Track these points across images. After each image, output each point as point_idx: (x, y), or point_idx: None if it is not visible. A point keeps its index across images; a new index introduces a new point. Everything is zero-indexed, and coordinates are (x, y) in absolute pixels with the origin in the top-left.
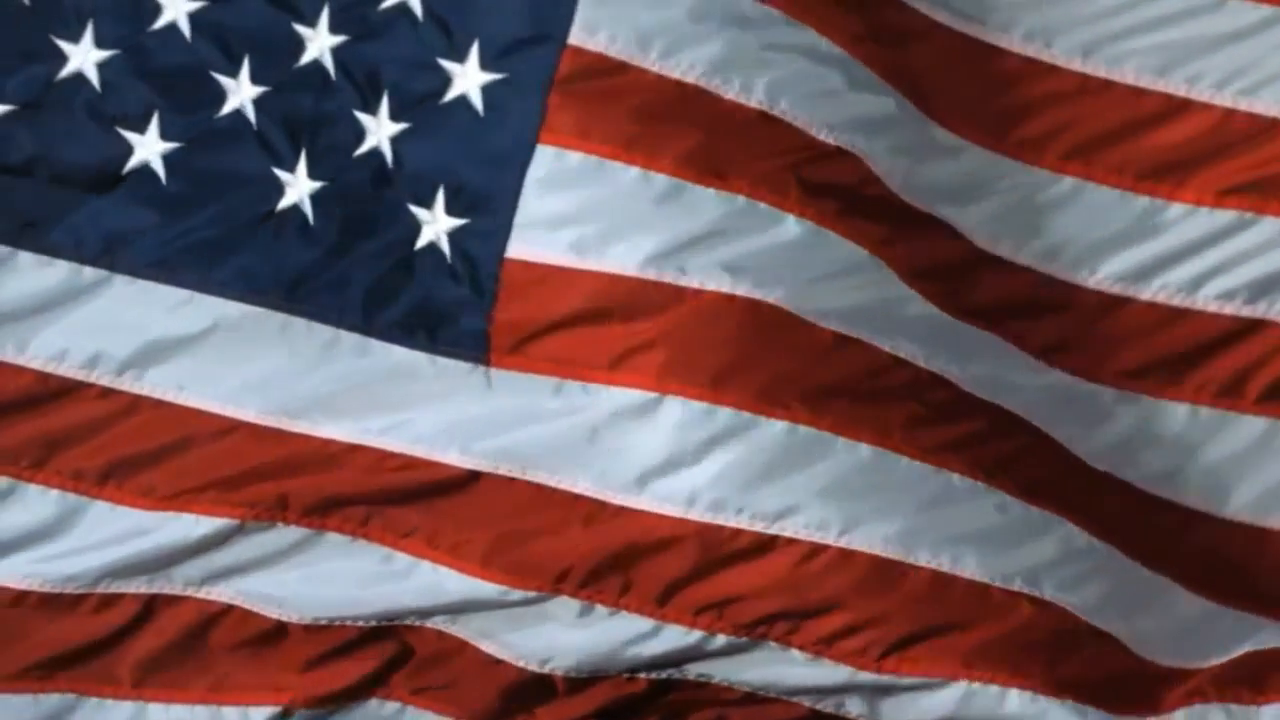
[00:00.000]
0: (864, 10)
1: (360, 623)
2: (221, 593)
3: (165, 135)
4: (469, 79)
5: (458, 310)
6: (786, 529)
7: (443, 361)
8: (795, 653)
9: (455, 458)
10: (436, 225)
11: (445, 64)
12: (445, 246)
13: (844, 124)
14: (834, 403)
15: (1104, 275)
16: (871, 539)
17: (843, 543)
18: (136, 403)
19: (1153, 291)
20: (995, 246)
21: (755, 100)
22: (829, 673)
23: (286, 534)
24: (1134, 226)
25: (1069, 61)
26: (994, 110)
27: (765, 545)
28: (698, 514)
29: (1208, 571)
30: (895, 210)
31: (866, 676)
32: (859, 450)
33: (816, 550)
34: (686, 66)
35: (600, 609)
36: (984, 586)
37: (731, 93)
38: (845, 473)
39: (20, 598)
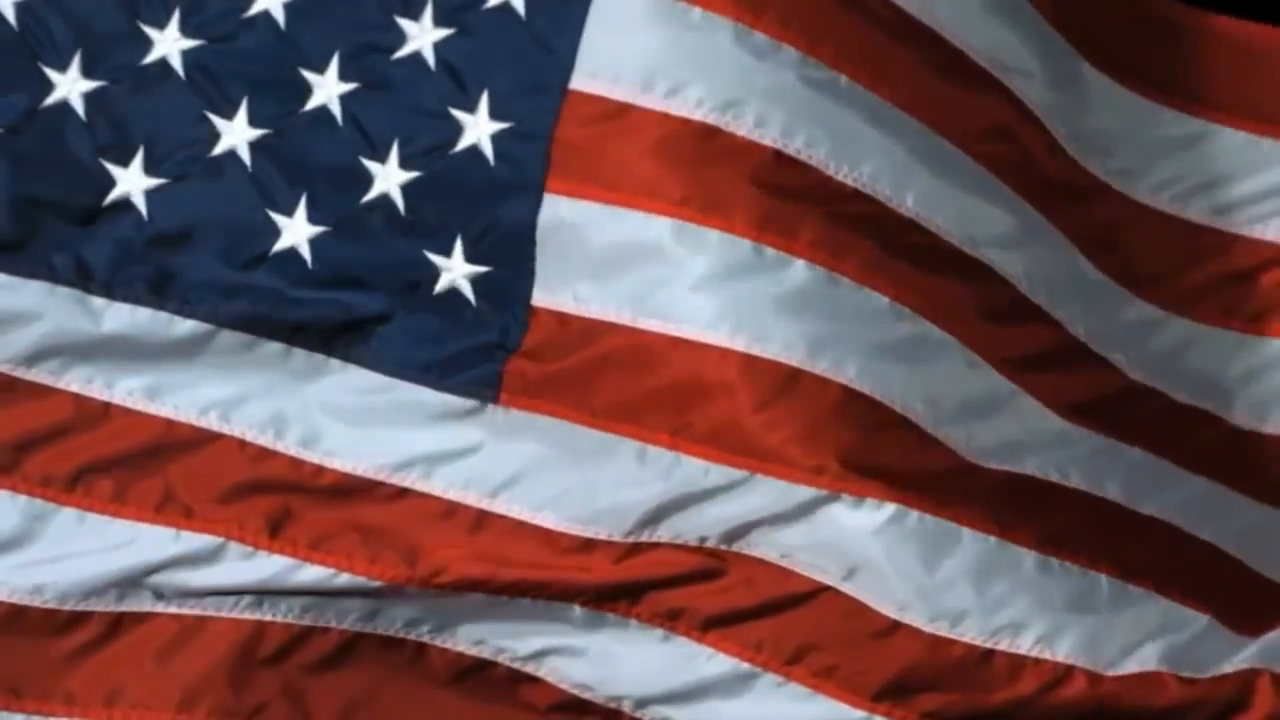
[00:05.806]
0: (884, 45)
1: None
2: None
3: (150, 171)
4: (479, 128)
5: (475, 352)
6: None
7: (447, 398)
8: None
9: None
10: (454, 273)
11: (457, 113)
12: (468, 292)
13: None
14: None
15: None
16: None
17: None
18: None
19: None
20: (1035, 295)
21: (770, 138)
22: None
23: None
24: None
25: None
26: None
27: None
28: None
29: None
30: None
31: None
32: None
33: None
34: (694, 104)
35: None
36: None
37: (744, 130)
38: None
39: None
